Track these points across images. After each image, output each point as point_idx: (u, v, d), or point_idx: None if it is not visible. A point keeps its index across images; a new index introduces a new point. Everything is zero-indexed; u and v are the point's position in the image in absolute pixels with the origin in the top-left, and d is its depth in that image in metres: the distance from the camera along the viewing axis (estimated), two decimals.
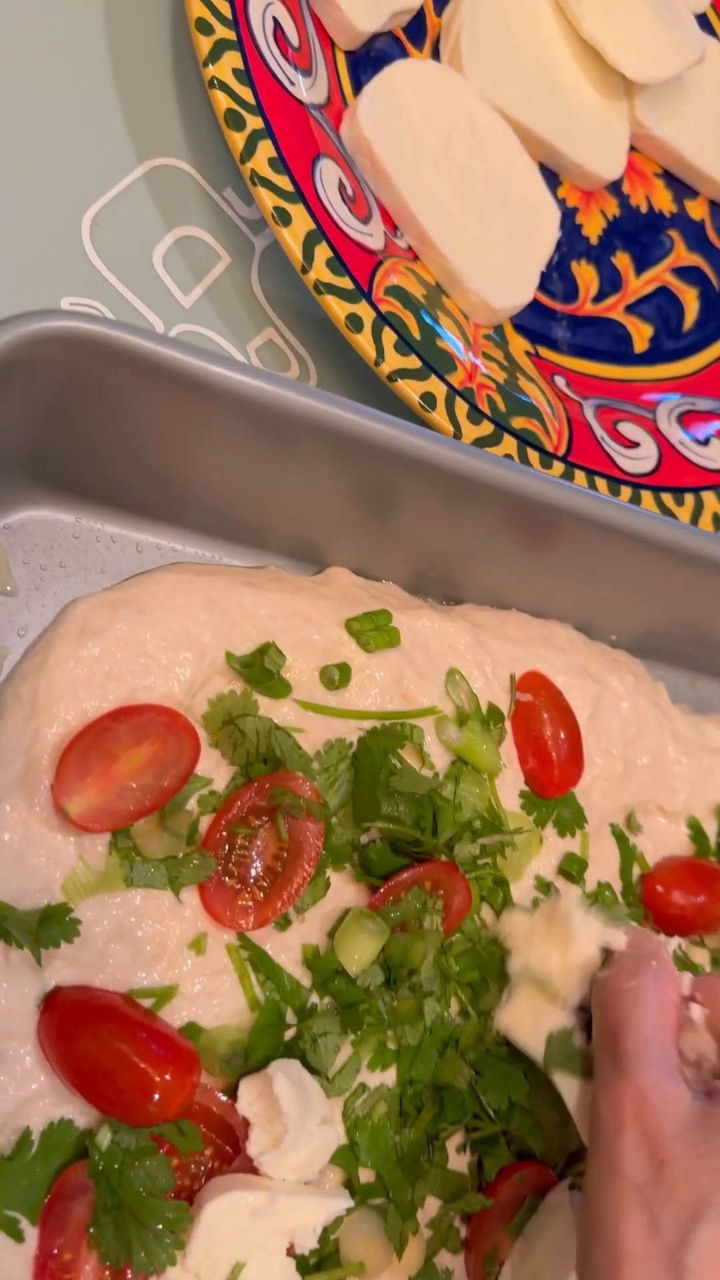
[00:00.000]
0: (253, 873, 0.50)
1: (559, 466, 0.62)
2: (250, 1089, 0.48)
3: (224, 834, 0.50)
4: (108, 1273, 0.44)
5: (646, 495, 0.65)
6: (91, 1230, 0.44)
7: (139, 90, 0.59)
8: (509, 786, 0.60)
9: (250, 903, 0.50)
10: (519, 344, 0.66)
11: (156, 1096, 0.45)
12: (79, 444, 0.49)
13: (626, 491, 0.64)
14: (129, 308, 0.56)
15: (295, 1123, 0.46)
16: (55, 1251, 0.44)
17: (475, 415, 0.59)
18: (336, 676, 0.55)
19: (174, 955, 0.49)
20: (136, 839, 0.48)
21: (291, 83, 0.58)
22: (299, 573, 0.59)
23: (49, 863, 0.47)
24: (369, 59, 0.64)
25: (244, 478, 0.52)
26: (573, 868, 0.60)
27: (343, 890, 0.53)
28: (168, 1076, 0.45)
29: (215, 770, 0.51)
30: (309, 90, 0.59)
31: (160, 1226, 0.44)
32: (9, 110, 0.55)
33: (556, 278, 0.69)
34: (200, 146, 0.60)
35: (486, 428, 0.59)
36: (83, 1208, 0.45)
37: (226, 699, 0.52)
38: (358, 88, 0.63)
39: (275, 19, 0.58)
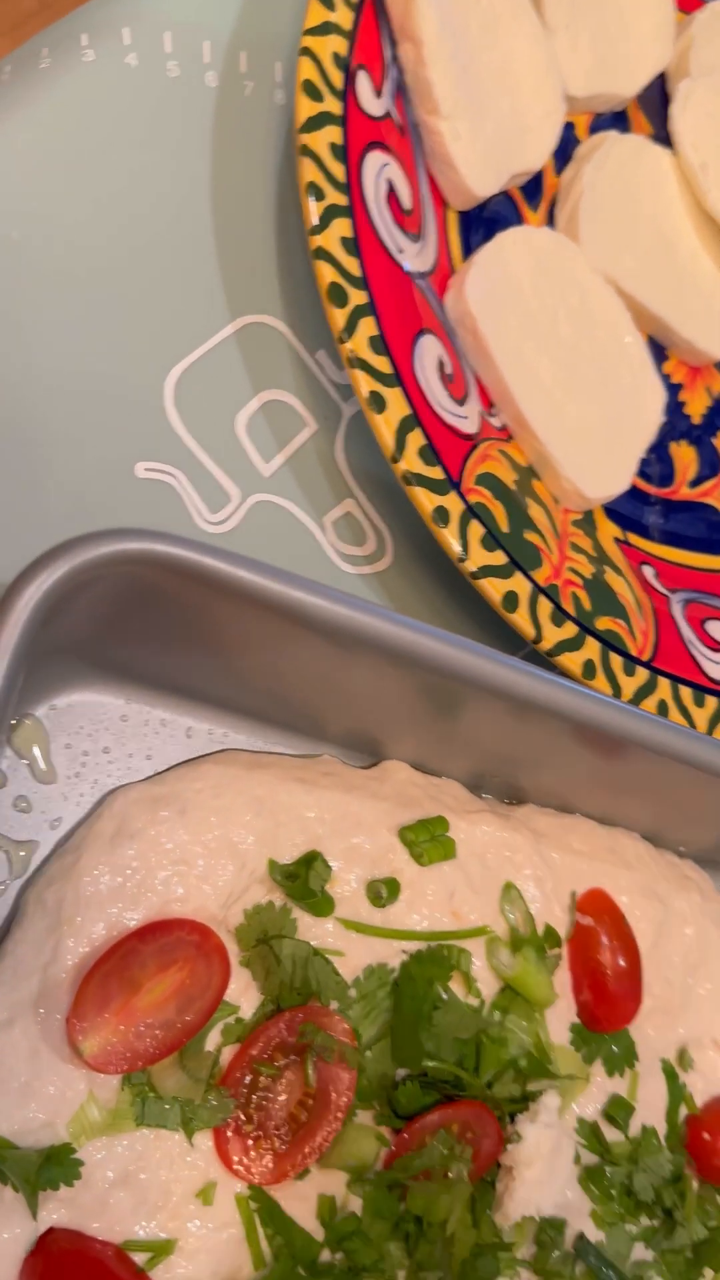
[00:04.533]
0: (273, 1119, 0.46)
1: (642, 672, 0.58)
2: None
3: (247, 1072, 0.46)
4: None
5: None
6: None
7: (237, 243, 0.56)
8: (559, 1017, 0.55)
9: (268, 1153, 0.46)
10: (608, 530, 0.62)
11: None
12: (137, 635, 0.45)
13: (712, 702, 0.59)
14: (206, 476, 0.53)
15: None
16: None
17: (559, 616, 0.55)
18: (384, 893, 0.51)
19: (178, 1205, 0.44)
20: (152, 1075, 0.44)
21: (400, 250, 0.55)
22: (355, 762, 0.55)
23: (56, 1096, 0.43)
24: (482, 219, 0.61)
25: (302, 675, 0.49)
26: (618, 1113, 0.56)
27: (364, 1142, 0.48)
28: None
29: (244, 993, 0.47)
30: (416, 257, 0.56)
31: None
32: (104, 258, 0.53)
33: (654, 459, 0.65)
34: (296, 304, 0.57)
35: (570, 630, 0.55)
36: None
37: (264, 913, 0.48)
38: (467, 249, 0.60)
39: (390, 181, 0.55)
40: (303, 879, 0.49)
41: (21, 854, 0.47)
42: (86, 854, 0.46)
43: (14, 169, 0.51)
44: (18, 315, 0.50)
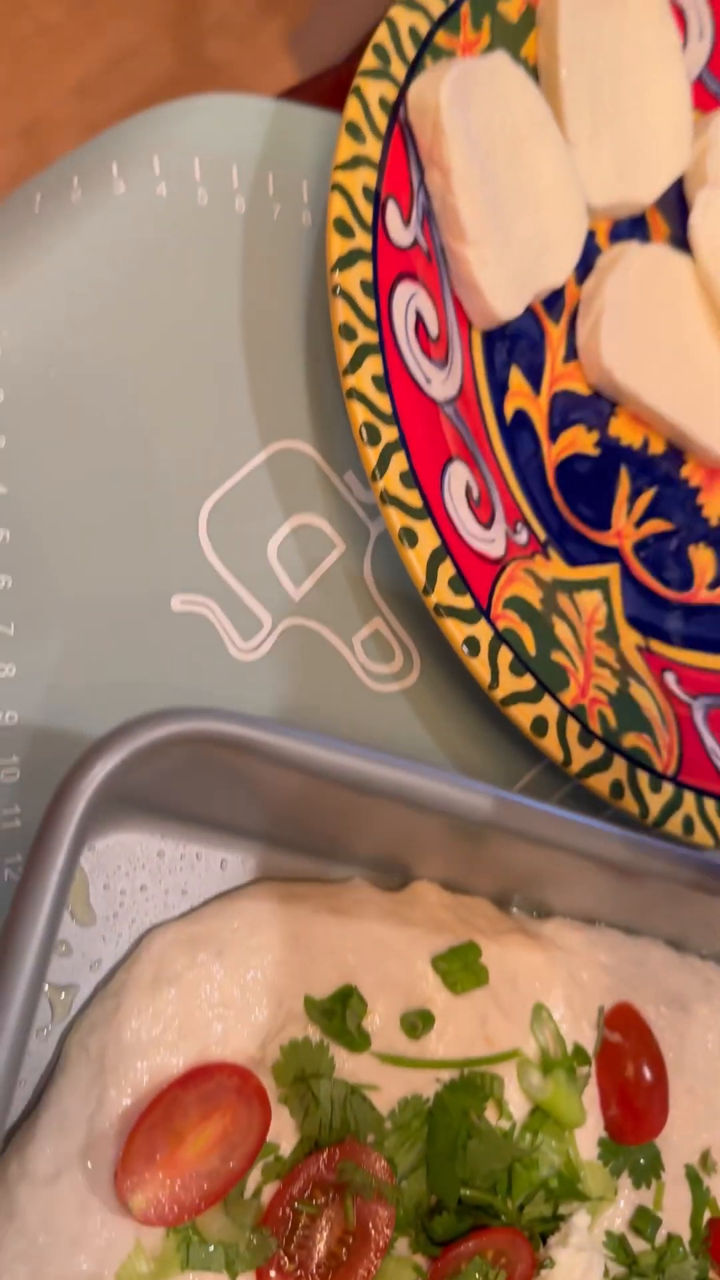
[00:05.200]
0: (315, 1258, 0.47)
1: (668, 788, 0.58)
2: None
3: (288, 1210, 0.47)
4: None
5: None
6: None
7: (267, 368, 0.57)
8: (587, 1132, 0.56)
9: None
10: (630, 638, 0.63)
11: None
12: (179, 789, 0.46)
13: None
14: (239, 604, 0.54)
15: None
16: None
17: (586, 737, 0.56)
18: (419, 1025, 0.51)
19: None
20: (197, 1221, 0.45)
21: (428, 381, 0.56)
22: (384, 881, 0.56)
23: (104, 1247, 0.44)
24: (505, 336, 0.62)
25: (334, 814, 0.50)
26: (644, 1225, 0.56)
27: (404, 1269, 0.49)
28: None
29: (283, 1131, 0.48)
30: (444, 385, 0.57)
31: None
32: (139, 392, 0.53)
33: (673, 563, 0.66)
34: (323, 428, 0.58)
35: (597, 750, 0.56)
36: None
37: (301, 1050, 0.49)
38: (490, 366, 0.61)
39: (418, 311, 0.56)
40: (339, 1017, 0.49)
41: (63, 998, 0.47)
42: (127, 1000, 0.46)
43: (52, 305, 0.52)
44: (56, 454, 0.51)
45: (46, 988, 0.47)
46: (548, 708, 0.55)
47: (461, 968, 0.53)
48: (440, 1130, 0.50)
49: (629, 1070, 0.57)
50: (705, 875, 0.53)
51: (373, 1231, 0.47)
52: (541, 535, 0.61)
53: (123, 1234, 0.44)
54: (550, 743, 0.55)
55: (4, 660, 0.49)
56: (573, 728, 0.56)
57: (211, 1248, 0.45)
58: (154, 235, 0.55)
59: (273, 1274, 0.46)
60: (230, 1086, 0.46)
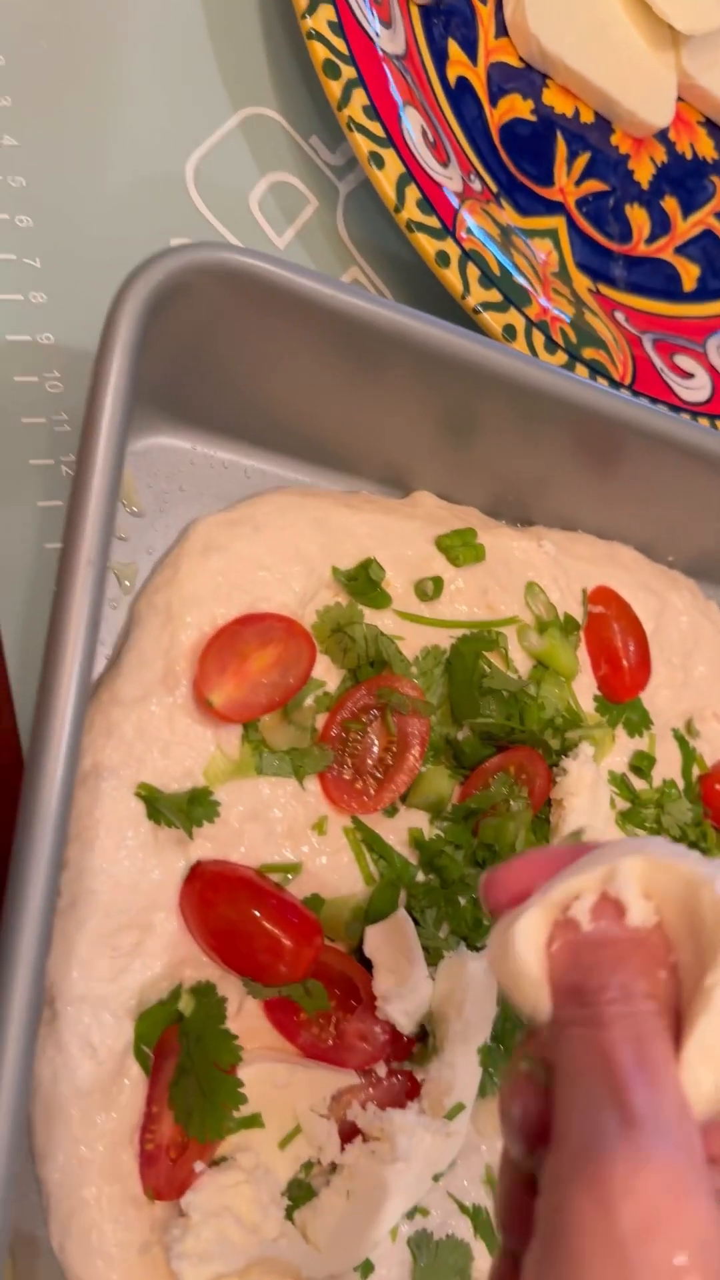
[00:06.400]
0: (366, 764, 0.55)
1: (625, 395, 0.66)
2: (376, 933, 0.53)
3: (339, 730, 0.55)
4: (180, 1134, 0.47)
5: (703, 422, 0.69)
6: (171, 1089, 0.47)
7: (231, 44, 0.63)
8: (583, 691, 0.65)
9: (365, 790, 0.55)
10: (582, 281, 0.70)
11: (285, 959, 0.50)
12: (201, 378, 0.53)
13: (686, 418, 0.68)
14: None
15: (419, 963, 0.52)
16: (150, 1103, 0.47)
17: (550, 346, 0.63)
18: (430, 589, 0.60)
19: (299, 835, 0.54)
20: (264, 733, 0.53)
21: (377, 34, 0.62)
22: (387, 496, 0.64)
23: (191, 752, 0.52)
24: (440, 11, 0.68)
25: (341, 408, 0.57)
26: (643, 764, 0.66)
27: (440, 781, 0.58)
28: (295, 941, 0.50)
29: (326, 674, 0.56)
30: (390, 42, 0.63)
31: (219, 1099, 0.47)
32: (117, 67, 0.59)
33: (612, 219, 0.73)
34: (288, 96, 0.64)
35: (561, 358, 0.64)
36: (173, 1065, 0.48)
37: (334, 610, 0.57)
38: (430, 38, 0.67)
39: None
40: (362, 579, 0.57)
41: (127, 574, 0.55)
42: (183, 566, 0.54)
43: None
44: (53, 111, 0.57)
45: (113, 564, 0.54)
46: (514, 318, 0.62)
47: (461, 544, 0.61)
48: (458, 672, 0.59)
49: (614, 636, 0.65)
50: (680, 428, 0.59)
51: (412, 737, 0.56)
52: (493, 187, 0.67)
53: (205, 739, 0.52)
54: (519, 347, 0.62)
55: (34, 289, 0.55)
56: (538, 337, 0.63)
57: (279, 759, 0.54)
58: None
59: (332, 777, 0.55)
60: (280, 628, 0.54)
